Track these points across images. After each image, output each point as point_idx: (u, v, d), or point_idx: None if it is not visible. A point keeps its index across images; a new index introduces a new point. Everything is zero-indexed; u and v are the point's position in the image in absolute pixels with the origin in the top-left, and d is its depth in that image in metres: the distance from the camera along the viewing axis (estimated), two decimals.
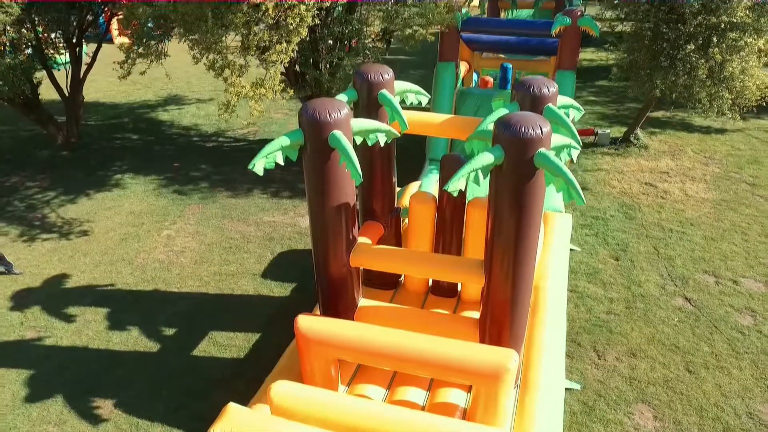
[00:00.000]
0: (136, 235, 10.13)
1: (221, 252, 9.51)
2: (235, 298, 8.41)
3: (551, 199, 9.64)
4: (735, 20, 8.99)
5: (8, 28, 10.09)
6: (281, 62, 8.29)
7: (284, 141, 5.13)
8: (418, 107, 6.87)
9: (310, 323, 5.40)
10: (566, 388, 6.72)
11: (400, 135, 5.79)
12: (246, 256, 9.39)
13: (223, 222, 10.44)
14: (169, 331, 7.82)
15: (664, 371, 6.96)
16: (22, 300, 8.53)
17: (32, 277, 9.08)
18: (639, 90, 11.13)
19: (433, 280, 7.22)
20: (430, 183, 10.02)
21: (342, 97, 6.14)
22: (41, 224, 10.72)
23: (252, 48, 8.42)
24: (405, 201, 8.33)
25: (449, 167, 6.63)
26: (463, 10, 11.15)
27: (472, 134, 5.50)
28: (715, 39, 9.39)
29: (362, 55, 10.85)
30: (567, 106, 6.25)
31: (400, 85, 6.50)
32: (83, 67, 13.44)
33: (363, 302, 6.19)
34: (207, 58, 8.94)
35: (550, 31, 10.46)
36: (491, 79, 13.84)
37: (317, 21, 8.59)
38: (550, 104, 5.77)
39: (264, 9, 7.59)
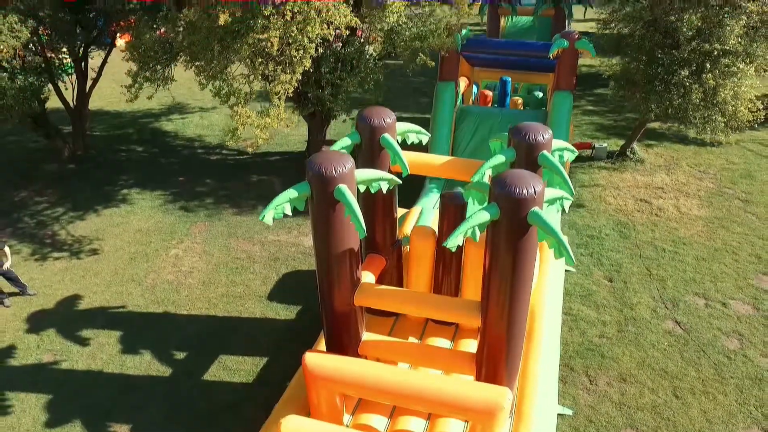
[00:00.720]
0: (145, 254, 10.44)
1: (228, 273, 9.83)
2: (242, 321, 8.75)
3: (548, 220, 9.95)
4: (727, 47, 9.21)
5: (19, 52, 10.29)
6: (285, 92, 8.54)
7: (292, 194, 5.40)
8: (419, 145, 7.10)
9: (317, 360, 5.74)
10: (558, 414, 7.08)
11: (401, 182, 6.07)
12: (252, 276, 9.71)
13: (229, 241, 10.75)
14: (180, 355, 8.17)
15: (653, 397, 7.31)
16: (37, 322, 8.87)
17: (46, 298, 9.41)
18: (635, 107, 11.36)
19: None
20: (429, 205, 10.30)
21: (346, 140, 6.44)
22: (52, 242, 11.03)
23: (257, 77, 8.66)
24: (406, 228, 8.63)
25: (448, 205, 6.96)
26: (464, 31, 11.33)
27: (470, 185, 5.80)
28: (708, 65, 9.62)
29: (363, 75, 11.06)
30: (561, 149, 6.53)
31: (401, 126, 6.76)
32: (89, 82, 13.68)
33: (366, 336, 6.51)
34: (213, 84, 9.19)
35: (548, 54, 10.68)
36: (490, 93, 14.04)
37: (320, 50, 8.79)
38: (544, 151, 6.05)
39: (268, 42, 7.81)
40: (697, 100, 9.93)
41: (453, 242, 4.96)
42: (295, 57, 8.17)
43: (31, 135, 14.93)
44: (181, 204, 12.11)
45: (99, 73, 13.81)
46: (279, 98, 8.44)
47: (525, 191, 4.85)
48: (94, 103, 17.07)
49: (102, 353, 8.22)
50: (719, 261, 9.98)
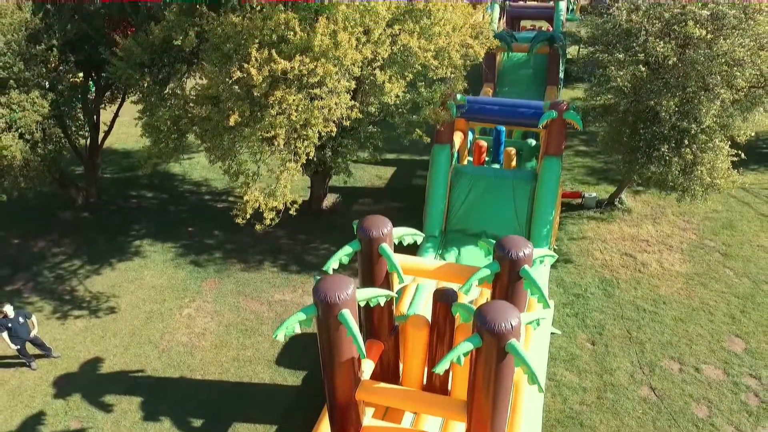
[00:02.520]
0: (160, 314, 11.17)
1: (238, 335, 10.57)
2: (253, 387, 9.49)
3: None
4: (704, 127, 9.85)
5: (39, 124, 10.94)
6: (292, 177, 9.22)
7: (301, 316, 6.14)
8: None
9: None
10: None
11: (396, 295, 6.78)
12: (260, 339, 10.44)
13: (239, 299, 11.47)
14: (197, 422, 8.92)
15: None
16: (63, 386, 9.62)
17: (69, 361, 10.15)
18: (618, 171, 12.02)
19: (427, 379, 8.29)
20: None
21: (348, 249, 7.17)
22: (71, 298, 11.76)
23: (264, 161, 9.34)
24: (402, 307, 9.35)
25: (441, 300, 7.66)
26: (458, 96, 11.95)
27: (457, 304, 6.51)
28: (686, 141, 10.26)
29: (363, 140, 11.71)
30: (542, 256, 7.24)
31: (398, 231, 7.47)
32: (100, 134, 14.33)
33: (367, 421, 7.26)
34: (222, 162, 9.86)
35: (538, 124, 11.33)
36: (485, 144, 14.70)
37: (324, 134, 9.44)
38: (525, 266, 6.75)
39: (275, 140, 8.49)
40: (677, 172, 10.59)
41: (441, 368, 5.69)
42: (300, 148, 8.85)
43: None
44: (192, 258, 12.83)
45: (111, 126, 14.47)
46: (285, 185, 9.13)
47: (503, 326, 5.56)
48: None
49: (125, 420, 8.98)
50: (695, 322, 10.69)
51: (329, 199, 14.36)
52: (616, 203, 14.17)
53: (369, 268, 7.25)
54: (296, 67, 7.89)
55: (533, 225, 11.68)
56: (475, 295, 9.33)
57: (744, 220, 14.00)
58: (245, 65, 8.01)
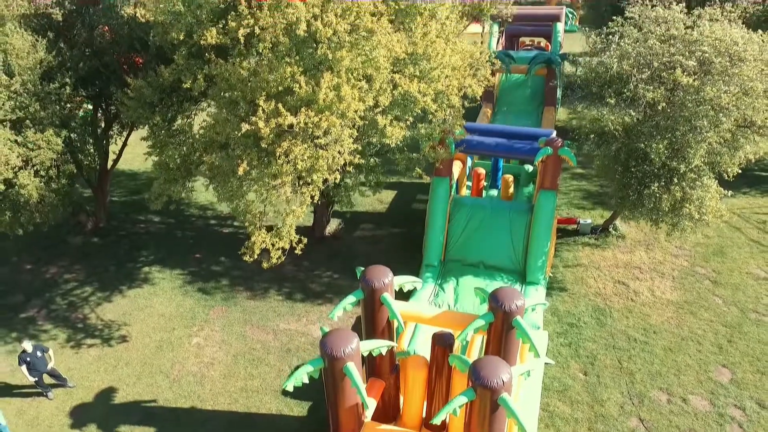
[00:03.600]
0: (170, 343, 11.62)
1: (246, 365, 11.01)
2: (260, 417, 9.94)
3: (530, 317, 11.11)
4: (691, 167, 10.28)
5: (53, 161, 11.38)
6: (297, 218, 9.66)
7: (309, 368, 6.62)
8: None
9: None
10: None
11: (396, 345, 7.23)
12: (267, 369, 10.89)
13: (245, 328, 11.92)
14: None
15: None
16: (79, 417, 10.07)
17: (84, 391, 10.60)
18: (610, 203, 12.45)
19: (426, 415, 8.74)
20: (423, 295, 11.46)
21: (351, 298, 7.62)
22: (84, 326, 12.21)
23: (271, 202, 9.79)
24: (403, 340, 9.80)
25: (440, 344, 8.09)
26: (457, 131, 12.36)
27: (453, 356, 6.96)
28: (676, 179, 10.68)
29: (366, 173, 12.14)
30: (534, 306, 7.70)
31: (398, 279, 7.94)
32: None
33: None
34: (230, 202, 10.30)
35: (534, 160, 11.75)
36: (483, 171, 15.12)
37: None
38: (517, 317, 7.19)
39: (282, 188, 8.94)
40: (667, 209, 11.03)
41: (438, 419, 6.15)
42: (305, 193, 9.29)
43: None
44: (199, 285, 13.27)
45: (119, 154, 14.91)
46: (291, 225, 9.57)
47: (496, 382, 6.01)
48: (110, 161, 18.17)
49: None
50: (684, 352, 11.12)
51: (332, 225, 14.80)
52: (611, 229, 14.60)
53: (371, 315, 7.70)
54: (302, 121, 8.32)
55: (529, 256, 12.12)
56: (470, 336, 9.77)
57: (735, 246, 14.42)
58: (253, 118, 8.44)
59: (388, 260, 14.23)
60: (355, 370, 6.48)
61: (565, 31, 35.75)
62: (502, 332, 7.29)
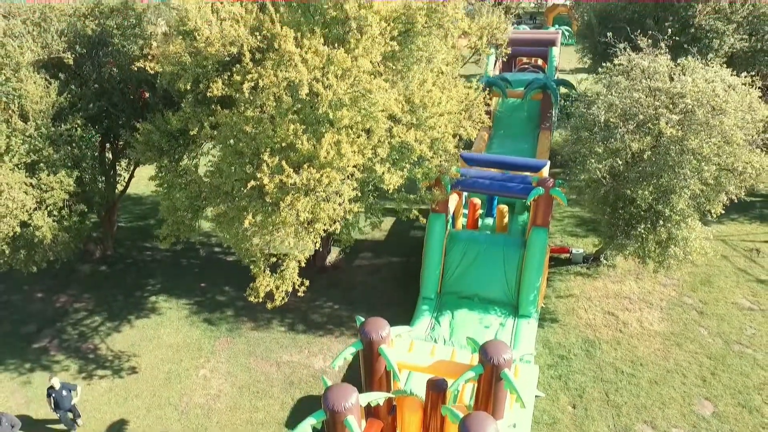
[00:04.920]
0: (177, 375, 12.13)
1: (251, 397, 11.52)
2: None
3: (521, 348, 11.61)
4: (676, 212, 10.80)
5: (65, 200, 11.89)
6: (299, 262, 10.18)
7: (312, 421, 7.15)
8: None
9: None
10: None
11: (393, 395, 7.74)
12: (271, 402, 11.40)
13: (250, 360, 12.43)
14: None
15: None
16: None
17: (97, 423, 11.11)
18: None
19: None
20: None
21: (352, 349, 8.14)
22: (94, 357, 12.72)
23: (275, 247, 10.29)
24: (399, 384, 10.30)
25: (434, 390, 8.60)
26: (453, 168, 12.84)
27: (445, 407, 7.47)
28: (661, 221, 11.20)
29: (365, 212, 12.63)
30: (523, 356, 8.21)
31: (395, 330, 8.45)
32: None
33: None
34: (236, 246, 10.80)
35: (527, 200, 12.26)
36: (479, 202, 15.62)
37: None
38: (505, 370, 7.69)
39: (286, 238, 9.45)
40: (653, 248, 11.54)
41: None
42: (308, 241, 9.80)
43: None
44: (205, 316, 13.79)
45: (126, 186, 15.42)
46: (293, 269, 10.08)
47: None
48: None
49: None
50: (669, 384, 11.63)
51: (332, 255, 15.31)
52: (602, 259, 15.10)
53: (369, 365, 8.22)
54: (304, 178, 8.82)
55: (521, 291, 12.63)
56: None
57: (722, 275, 14.93)
58: (258, 174, 8.95)
59: (387, 290, 14.93)
60: (354, 422, 6.99)
61: (563, 44, 36.34)
62: (491, 383, 7.79)
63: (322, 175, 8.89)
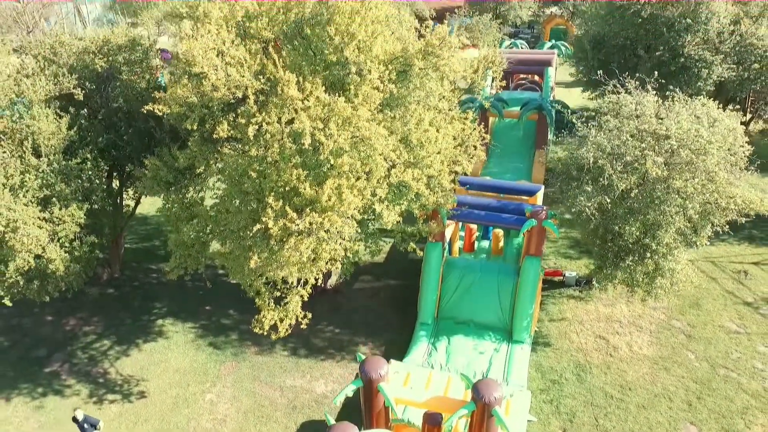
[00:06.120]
0: (185, 399, 12.62)
1: (255, 422, 12.02)
2: None
3: (512, 375, 12.11)
4: (662, 245, 11.31)
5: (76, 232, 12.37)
6: (302, 297, 10.67)
7: None
8: None
9: None
10: None
11: (392, 422, 8.24)
12: (275, 426, 11.90)
13: (254, 385, 12.92)
14: None
15: None
16: None
17: None
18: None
19: None
20: (417, 354, 12.44)
21: (352, 387, 8.65)
22: (104, 381, 13.21)
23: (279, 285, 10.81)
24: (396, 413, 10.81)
25: (429, 423, 9.11)
26: (450, 200, 13.32)
27: None
28: (648, 254, 11.70)
29: (364, 241, 13.13)
30: (513, 392, 8.70)
31: (394, 367, 8.94)
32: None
33: None
34: (242, 282, 11.29)
35: (520, 231, 12.76)
36: (474, 225, 16.11)
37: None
38: (495, 408, 8.20)
39: (289, 276, 9.95)
40: (640, 279, 12.05)
41: None
42: (310, 277, 10.30)
43: None
44: (210, 340, 14.29)
45: (133, 212, 15.91)
46: (297, 303, 10.57)
47: None
48: None
49: None
50: (656, 409, 12.13)
51: (333, 278, 15.80)
52: (594, 282, 15.58)
53: (369, 401, 8.73)
54: (307, 222, 9.31)
55: (515, 317, 13.13)
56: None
57: (710, 297, 15.43)
58: (264, 218, 9.44)
59: (386, 314, 15.45)
60: None
61: (559, 55, 36.79)
62: (482, 419, 8.30)
63: (324, 219, 9.38)
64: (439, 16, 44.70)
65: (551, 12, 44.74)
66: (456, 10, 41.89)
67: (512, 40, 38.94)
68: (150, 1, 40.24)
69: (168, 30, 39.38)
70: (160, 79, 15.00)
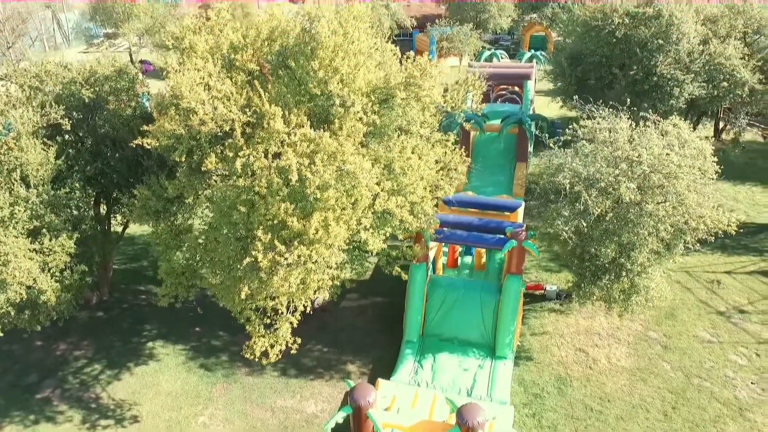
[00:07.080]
0: (178, 422, 12.84)
1: None
2: None
3: (496, 391, 12.56)
4: (637, 265, 11.87)
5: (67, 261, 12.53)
6: (291, 324, 10.99)
7: None
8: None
9: None
10: None
11: None
12: None
13: (246, 406, 13.19)
14: None
15: None
16: None
17: None
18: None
19: None
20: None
21: (342, 414, 9.01)
22: (96, 407, 13.36)
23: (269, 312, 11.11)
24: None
25: None
26: (433, 224, 13.70)
27: None
28: (624, 273, 12.24)
29: (350, 262, 13.47)
30: (495, 415, 9.13)
31: (383, 390, 9.31)
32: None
33: None
34: (233, 310, 11.57)
35: (501, 252, 13.22)
36: (458, 247, 16.57)
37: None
38: (479, 431, 8.62)
39: (278, 305, 10.26)
40: (618, 295, 12.60)
41: None
42: (298, 306, 10.62)
43: None
44: (201, 361, 14.51)
45: (121, 236, 16.05)
46: (287, 330, 10.89)
47: None
48: None
49: None
50: (633, 420, 12.67)
51: (320, 298, 16.09)
52: (574, 295, 16.11)
53: (358, 426, 9.08)
54: (295, 254, 9.64)
55: (498, 334, 13.59)
56: None
57: (685, 307, 16.07)
58: (253, 251, 9.74)
59: (372, 331, 15.83)
60: None
61: (538, 63, 37.48)
62: None
63: (312, 251, 9.71)
64: (420, 26, 45.30)
65: (530, 18, 45.42)
66: (437, 20, 42.39)
67: (492, 50, 39.44)
68: (129, 3, 39.58)
69: (148, 43, 39.26)
70: (144, 103, 15.12)
